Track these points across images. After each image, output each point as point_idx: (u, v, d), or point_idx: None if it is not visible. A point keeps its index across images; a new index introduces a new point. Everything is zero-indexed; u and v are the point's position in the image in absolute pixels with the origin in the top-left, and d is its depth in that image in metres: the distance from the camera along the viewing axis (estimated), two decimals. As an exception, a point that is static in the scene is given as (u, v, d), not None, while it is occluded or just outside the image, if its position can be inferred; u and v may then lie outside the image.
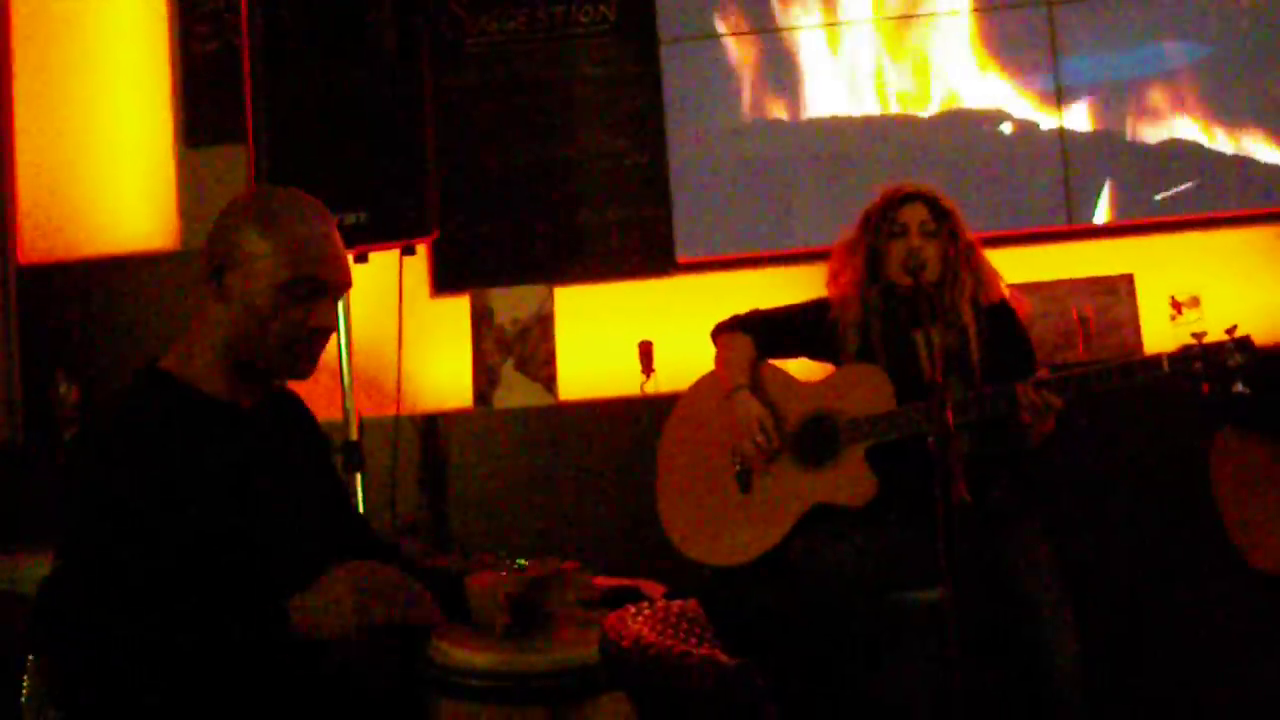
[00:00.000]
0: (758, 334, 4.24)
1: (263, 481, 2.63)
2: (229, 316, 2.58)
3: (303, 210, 2.64)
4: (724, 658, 1.83)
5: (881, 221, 4.09)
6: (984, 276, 4.09)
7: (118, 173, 5.64)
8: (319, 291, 2.58)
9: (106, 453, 2.47)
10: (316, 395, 5.26)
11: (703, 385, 4.33)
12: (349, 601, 2.44)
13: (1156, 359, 3.78)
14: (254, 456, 2.63)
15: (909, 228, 4.03)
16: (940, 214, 4.05)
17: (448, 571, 2.94)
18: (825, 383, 4.16)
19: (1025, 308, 4.19)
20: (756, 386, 4.17)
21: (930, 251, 3.99)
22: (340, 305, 4.63)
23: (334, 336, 4.58)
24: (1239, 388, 3.71)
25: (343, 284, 2.63)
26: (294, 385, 2.84)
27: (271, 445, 2.71)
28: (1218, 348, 3.71)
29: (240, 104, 4.70)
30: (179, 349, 2.63)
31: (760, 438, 4.07)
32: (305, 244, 2.58)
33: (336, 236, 2.64)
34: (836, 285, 4.17)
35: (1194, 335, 3.75)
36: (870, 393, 4.02)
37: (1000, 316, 4.09)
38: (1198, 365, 3.72)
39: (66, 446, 5.04)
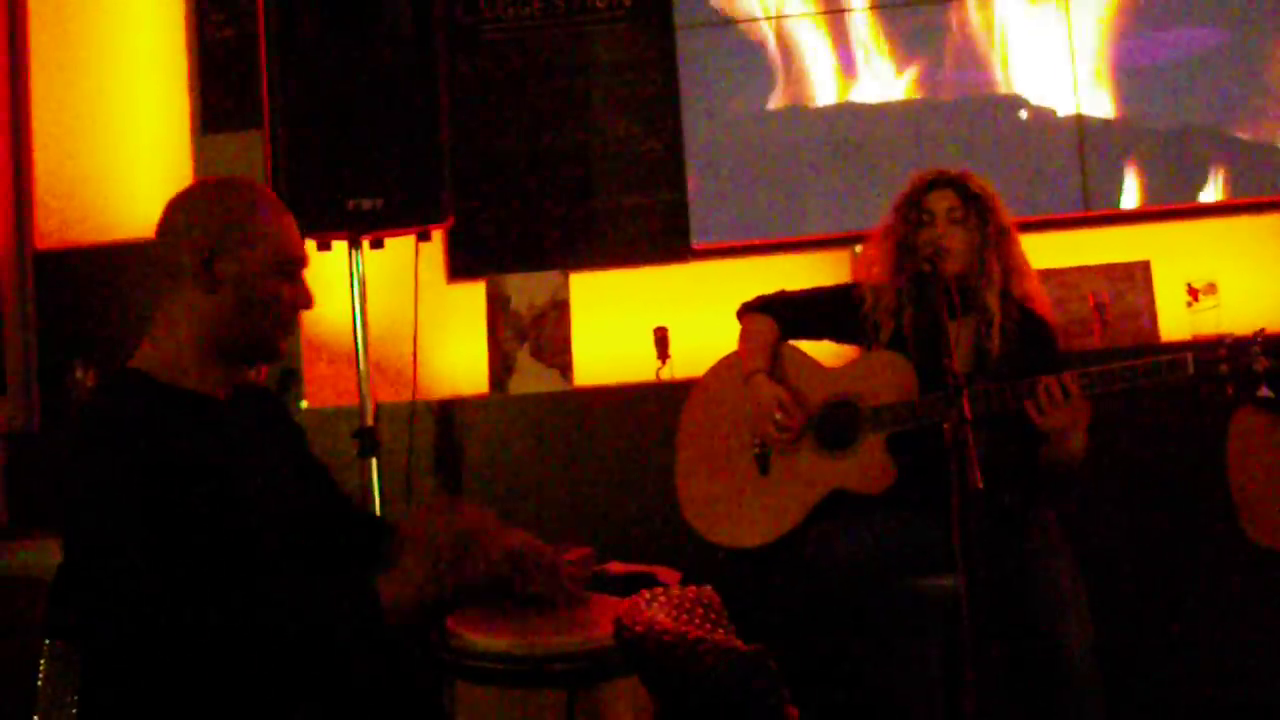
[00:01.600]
0: (782, 315, 4.23)
1: (244, 470, 2.65)
2: (216, 303, 2.62)
3: (270, 198, 2.75)
4: (739, 644, 1.83)
5: (910, 209, 4.04)
6: (1015, 265, 4.02)
7: (134, 159, 5.64)
8: (298, 266, 2.72)
9: (99, 446, 2.49)
10: (333, 381, 5.31)
11: (723, 366, 4.33)
12: (441, 564, 2.54)
13: (1182, 360, 3.72)
14: (234, 446, 2.67)
15: (936, 215, 3.98)
16: (970, 199, 4.00)
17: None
18: (849, 368, 4.15)
19: (1045, 304, 4.13)
20: (776, 369, 4.16)
21: (957, 240, 3.95)
22: (356, 290, 4.65)
23: (352, 323, 4.64)
24: (1264, 391, 3.67)
25: (306, 261, 2.77)
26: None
27: (248, 435, 2.74)
28: (1244, 350, 3.65)
29: (256, 90, 4.71)
30: (147, 348, 2.66)
31: (780, 416, 4.06)
32: (290, 226, 2.72)
33: (291, 214, 2.78)
34: (870, 274, 4.15)
35: (1221, 337, 3.69)
36: (894, 380, 4.01)
37: (1034, 324, 4.04)
38: (1224, 368, 3.67)
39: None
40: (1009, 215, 4.06)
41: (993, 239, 3.99)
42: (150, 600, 2.37)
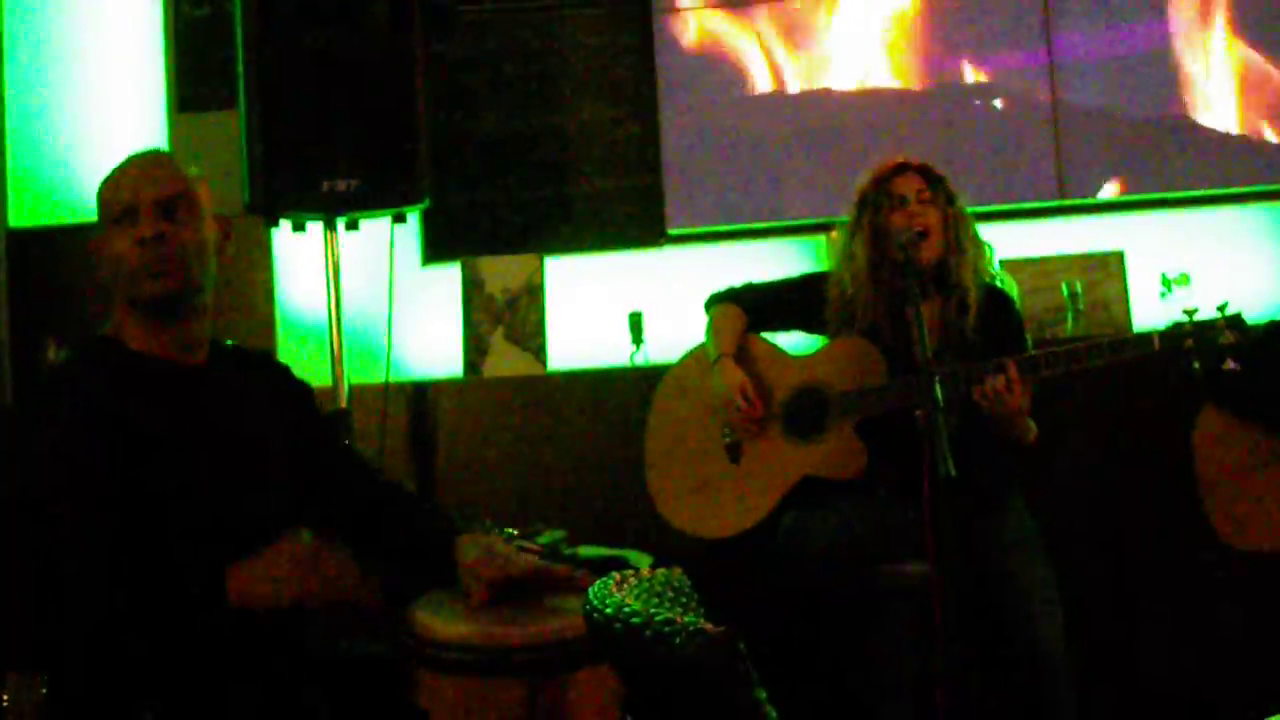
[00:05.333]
0: (749, 306, 4.24)
1: (208, 437, 2.66)
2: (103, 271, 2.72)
3: (130, 159, 2.78)
4: (708, 626, 1.83)
5: (878, 196, 4.06)
6: (980, 245, 4.07)
7: (109, 138, 5.61)
8: (131, 214, 2.67)
9: (36, 413, 2.59)
10: (305, 362, 5.29)
11: (693, 357, 4.34)
12: (286, 575, 2.50)
13: (1147, 336, 3.78)
14: (199, 413, 2.68)
15: (907, 197, 4.01)
16: (935, 181, 4.04)
17: (440, 534, 2.95)
18: (817, 356, 4.16)
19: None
20: (744, 358, 4.17)
21: (933, 219, 3.97)
22: (330, 272, 4.64)
23: (326, 305, 4.63)
24: (1230, 365, 3.72)
25: (155, 199, 2.69)
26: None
27: (219, 401, 2.75)
28: (1209, 325, 3.71)
29: (232, 70, 4.69)
30: (115, 318, 2.73)
31: (743, 403, 4.07)
32: (111, 182, 2.73)
33: (145, 161, 2.78)
34: (849, 267, 4.14)
35: (1185, 311, 3.75)
36: (862, 366, 4.02)
37: (996, 299, 4.07)
38: (1189, 342, 3.72)
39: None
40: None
41: (960, 219, 4.03)
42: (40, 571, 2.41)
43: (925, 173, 4.05)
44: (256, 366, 2.98)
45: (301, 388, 3.05)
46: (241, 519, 2.64)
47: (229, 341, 2.93)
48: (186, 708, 2.49)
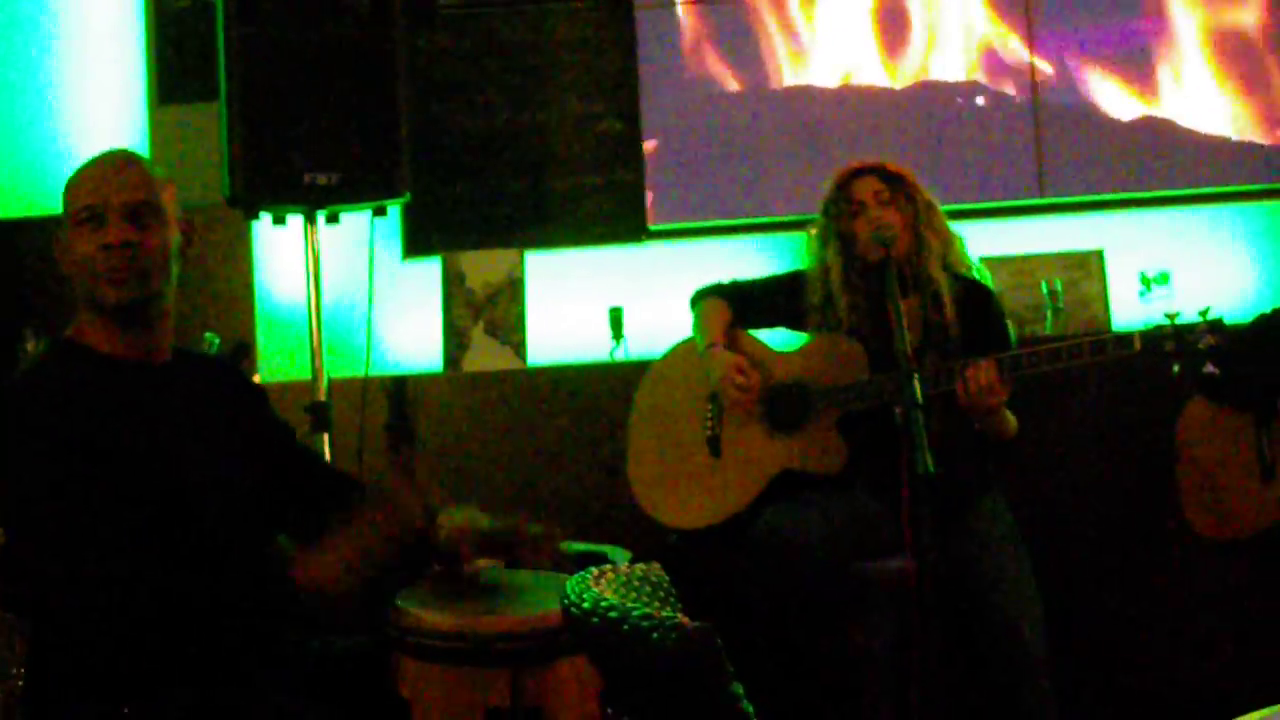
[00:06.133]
0: (735, 302, 4.26)
1: (170, 438, 2.68)
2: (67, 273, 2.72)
3: (97, 158, 2.76)
4: (685, 621, 1.83)
5: (838, 204, 4.11)
6: (947, 237, 4.11)
7: (90, 130, 5.59)
8: (97, 217, 2.65)
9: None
10: (285, 355, 5.28)
11: (677, 351, 4.36)
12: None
13: (1129, 336, 3.81)
14: (160, 413, 2.70)
15: (866, 202, 4.04)
16: (892, 180, 4.07)
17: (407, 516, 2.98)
18: (799, 351, 4.18)
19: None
20: (729, 349, 4.18)
21: (893, 218, 4.00)
22: (310, 265, 4.63)
23: (306, 298, 4.62)
24: (1209, 369, 3.74)
25: (122, 204, 2.67)
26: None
27: (183, 402, 2.77)
28: (1190, 329, 3.74)
29: (213, 62, 4.68)
30: (79, 317, 2.74)
31: (740, 379, 4.08)
32: (86, 177, 2.71)
33: (117, 163, 2.75)
34: (822, 273, 4.17)
35: (1167, 315, 3.77)
36: (844, 362, 4.04)
37: (975, 292, 4.10)
38: (1170, 346, 3.75)
39: None
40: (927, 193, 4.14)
41: (924, 214, 4.07)
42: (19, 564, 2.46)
43: (882, 173, 4.09)
44: (214, 369, 3.03)
45: (256, 390, 3.13)
46: (199, 519, 2.65)
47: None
48: (164, 706, 2.49)
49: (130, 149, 2.87)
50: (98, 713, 2.48)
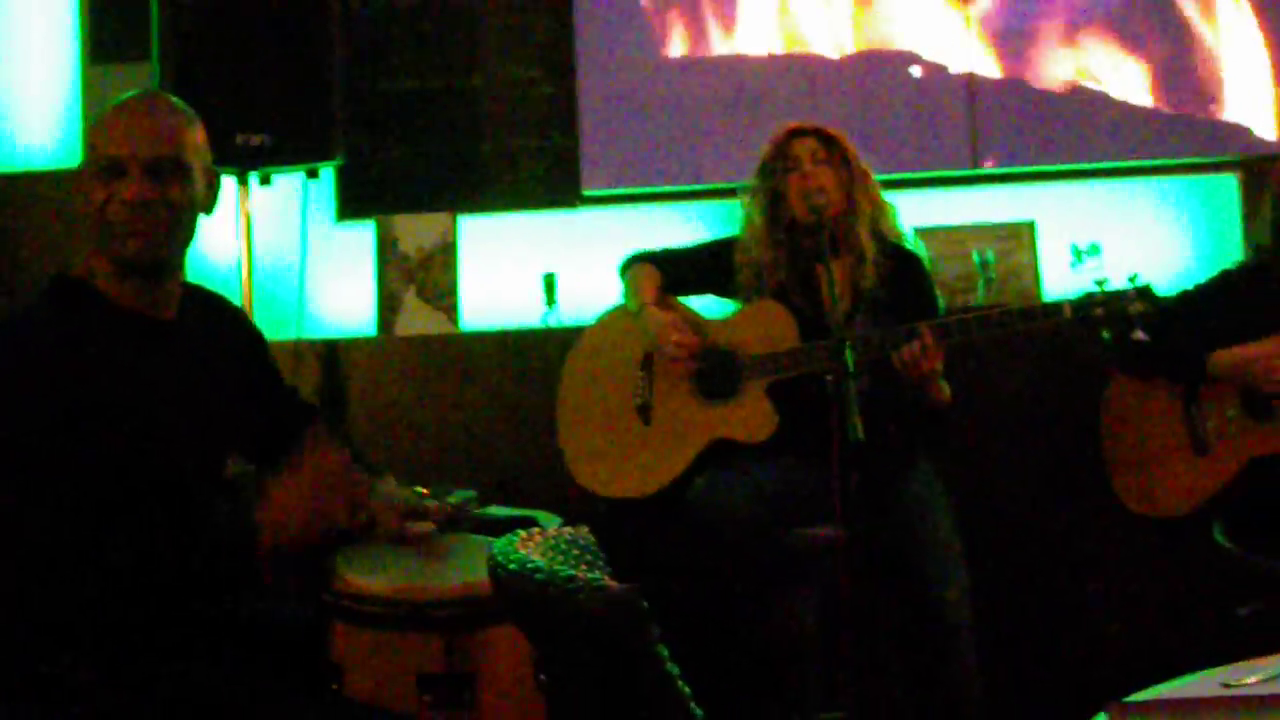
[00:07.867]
0: (663, 267, 4.26)
1: (170, 395, 2.65)
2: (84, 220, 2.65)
3: (125, 103, 2.69)
4: (611, 582, 1.84)
5: (775, 160, 4.13)
6: (880, 204, 4.15)
7: (21, 89, 5.52)
8: (118, 167, 2.59)
9: None
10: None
11: (607, 318, 4.35)
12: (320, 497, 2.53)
13: (1059, 304, 3.86)
14: (156, 375, 2.65)
15: (801, 160, 4.06)
16: (829, 142, 4.10)
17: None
18: (729, 319, 4.20)
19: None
20: (663, 308, 4.19)
21: (827, 179, 4.03)
22: (242, 227, 4.60)
23: (237, 260, 4.58)
24: (1138, 335, 3.79)
25: (145, 158, 2.61)
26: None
27: (182, 365, 2.72)
28: (1119, 295, 3.79)
29: (146, 21, 4.63)
30: (88, 260, 2.67)
31: (678, 336, 4.08)
32: (115, 124, 2.64)
33: (139, 111, 2.68)
34: (749, 232, 4.19)
35: (1096, 282, 3.82)
36: (773, 329, 4.05)
37: (906, 261, 4.13)
38: (1099, 312, 3.80)
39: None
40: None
41: (858, 178, 4.10)
42: None
43: (820, 135, 4.12)
44: (217, 313, 2.98)
45: (259, 340, 3.09)
46: (176, 489, 2.62)
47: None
48: (121, 664, 2.48)
49: (162, 92, 2.80)
50: (54, 672, 2.46)
